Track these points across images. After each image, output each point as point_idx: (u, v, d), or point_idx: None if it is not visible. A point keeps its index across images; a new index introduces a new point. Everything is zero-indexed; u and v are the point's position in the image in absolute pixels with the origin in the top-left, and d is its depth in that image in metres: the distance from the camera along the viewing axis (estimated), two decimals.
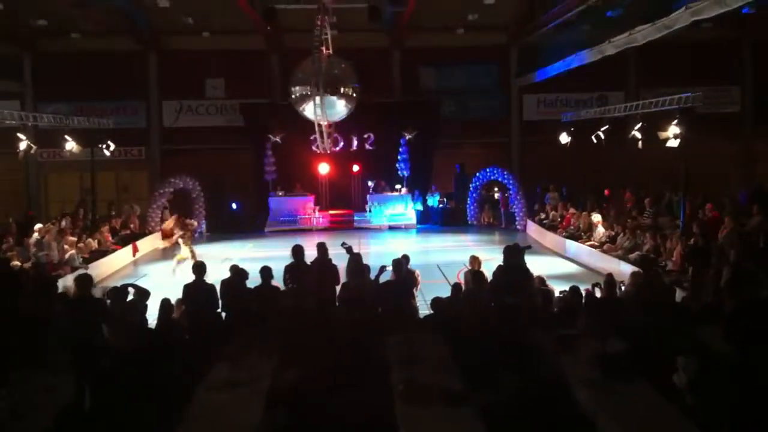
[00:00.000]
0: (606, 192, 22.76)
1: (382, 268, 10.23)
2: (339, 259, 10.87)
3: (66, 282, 12.41)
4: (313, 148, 24.02)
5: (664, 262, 14.18)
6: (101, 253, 17.92)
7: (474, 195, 25.59)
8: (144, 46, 26.76)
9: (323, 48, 19.47)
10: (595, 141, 21.69)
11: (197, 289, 9.57)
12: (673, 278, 12.52)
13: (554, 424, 5.69)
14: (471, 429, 5.59)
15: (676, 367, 6.25)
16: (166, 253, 20.89)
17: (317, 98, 19.22)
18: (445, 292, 9.90)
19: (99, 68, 26.25)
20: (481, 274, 10.38)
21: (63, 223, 18.65)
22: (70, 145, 20.51)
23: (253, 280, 10.02)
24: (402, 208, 25.34)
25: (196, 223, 17.81)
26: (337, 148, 25.42)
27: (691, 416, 5.61)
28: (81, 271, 12.02)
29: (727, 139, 26.68)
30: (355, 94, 20.20)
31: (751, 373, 6.20)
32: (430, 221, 25.64)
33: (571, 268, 17.53)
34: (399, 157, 25.50)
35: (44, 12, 24.08)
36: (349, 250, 10.72)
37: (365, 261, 10.73)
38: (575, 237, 19.26)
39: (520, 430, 5.66)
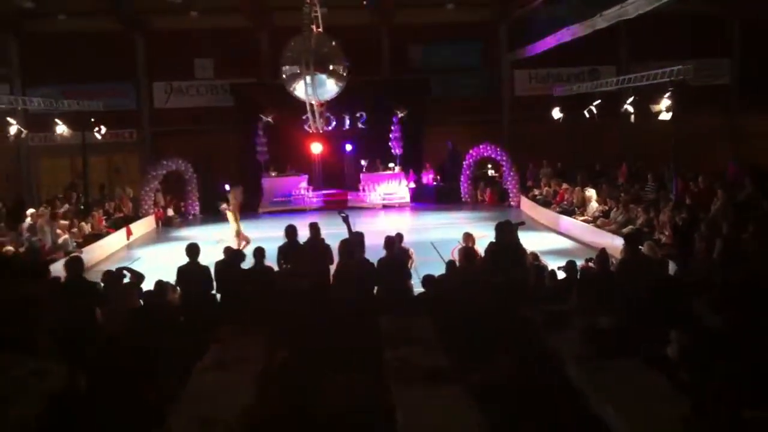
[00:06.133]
0: (597, 166, 22.80)
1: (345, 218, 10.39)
2: (332, 238, 10.87)
3: (60, 266, 12.37)
4: (305, 127, 23.92)
5: (657, 235, 14.22)
6: (95, 237, 17.85)
7: (467, 172, 25.55)
8: (132, 27, 26.45)
9: (313, 26, 19.31)
10: (587, 116, 21.65)
11: (191, 271, 9.57)
12: (666, 251, 12.55)
13: (547, 401, 5.73)
14: (465, 407, 5.62)
15: (669, 341, 6.29)
16: (160, 236, 20.93)
17: (307, 77, 19.09)
18: (440, 270, 9.93)
19: (87, 50, 25.89)
20: (474, 251, 10.42)
21: (65, 206, 18.57)
22: (61, 128, 20.41)
23: (247, 261, 10.04)
24: (395, 186, 25.30)
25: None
26: (330, 128, 25.32)
27: (683, 390, 5.65)
28: (71, 255, 11.97)
29: (718, 111, 26.64)
30: (345, 73, 20.06)
31: (742, 345, 6.25)
32: (424, 199, 25.63)
33: (565, 243, 17.57)
34: (391, 136, 25.39)
35: None
36: (345, 219, 10.69)
37: None
38: (569, 212, 19.28)
39: (513, 408, 5.69)
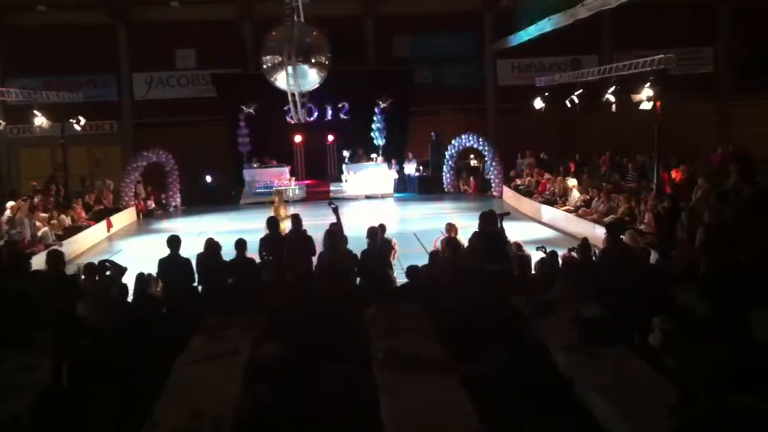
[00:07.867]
0: (577, 156, 22.85)
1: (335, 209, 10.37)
2: (314, 230, 10.83)
3: (40, 259, 12.25)
4: (288, 118, 23.81)
5: (639, 224, 14.28)
6: (75, 229, 17.70)
7: (450, 162, 25.56)
8: (113, 18, 26.21)
9: (294, 16, 19.19)
10: (569, 105, 21.67)
11: (172, 263, 9.51)
12: (647, 240, 12.61)
13: (534, 389, 5.74)
14: (453, 396, 5.61)
15: (652, 329, 6.32)
16: (141, 228, 20.79)
17: (289, 67, 18.97)
18: (423, 260, 9.91)
19: (67, 41, 25.58)
20: (457, 241, 10.42)
21: (35, 199, 18.37)
22: (40, 120, 20.17)
23: (228, 253, 9.98)
24: (378, 176, 25.23)
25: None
26: (312, 118, 25.21)
27: (667, 377, 5.68)
28: (52, 248, 11.84)
29: (701, 101, 26.75)
30: (327, 63, 19.95)
31: (724, 333, 6.29)
32: (407, 190, 25.61)
33: (547, 233, 17.61)
34: (373, 126, 25.32)
35: None
36: (335, 210, 10.65)
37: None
38: (551, 202, 19.35)
39: (501, 396, 5.70)
